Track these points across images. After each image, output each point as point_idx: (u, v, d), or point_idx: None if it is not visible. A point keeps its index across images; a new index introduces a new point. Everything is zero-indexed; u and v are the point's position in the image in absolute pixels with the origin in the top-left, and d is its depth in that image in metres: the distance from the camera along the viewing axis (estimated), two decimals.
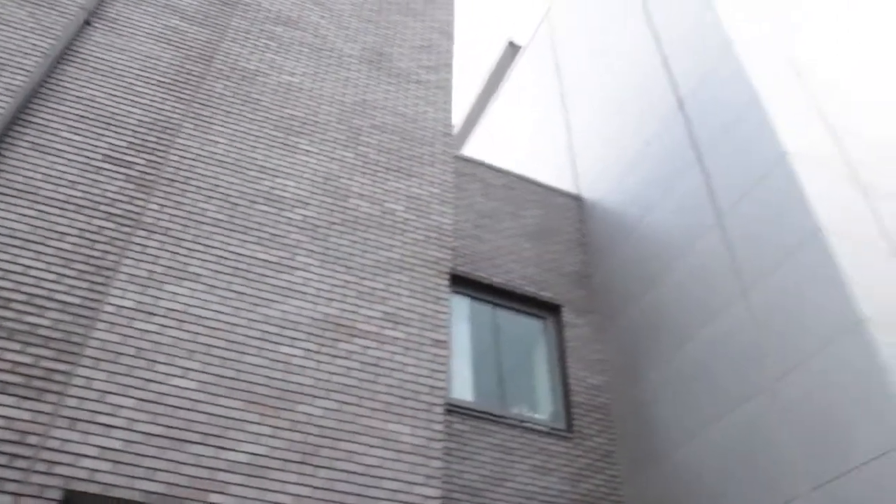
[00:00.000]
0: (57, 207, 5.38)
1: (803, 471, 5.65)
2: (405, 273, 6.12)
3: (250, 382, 5.00)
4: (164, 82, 6.55)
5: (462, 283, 8.55)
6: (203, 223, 5.63)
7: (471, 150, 16.40)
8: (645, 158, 9.01)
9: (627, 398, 8.02)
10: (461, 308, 8.46)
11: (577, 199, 10.39)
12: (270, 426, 4.87)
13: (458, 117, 18.63)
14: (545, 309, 8.89)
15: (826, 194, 6.58)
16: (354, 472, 4.93)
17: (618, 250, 9.02)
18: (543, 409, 8.09)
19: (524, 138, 13.34)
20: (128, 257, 5.23)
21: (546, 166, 11.85)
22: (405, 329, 5.76)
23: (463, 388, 7.78)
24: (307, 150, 6.54)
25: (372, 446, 5.10)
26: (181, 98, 6.50)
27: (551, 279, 9.09)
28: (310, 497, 4.69)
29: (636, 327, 8.23)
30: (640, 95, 9.55)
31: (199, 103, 6.40)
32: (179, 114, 6.38)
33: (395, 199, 6.60)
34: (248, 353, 5.12)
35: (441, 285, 6.18)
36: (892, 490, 4.94)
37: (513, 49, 17.83)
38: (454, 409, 7.30)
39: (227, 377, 4.96)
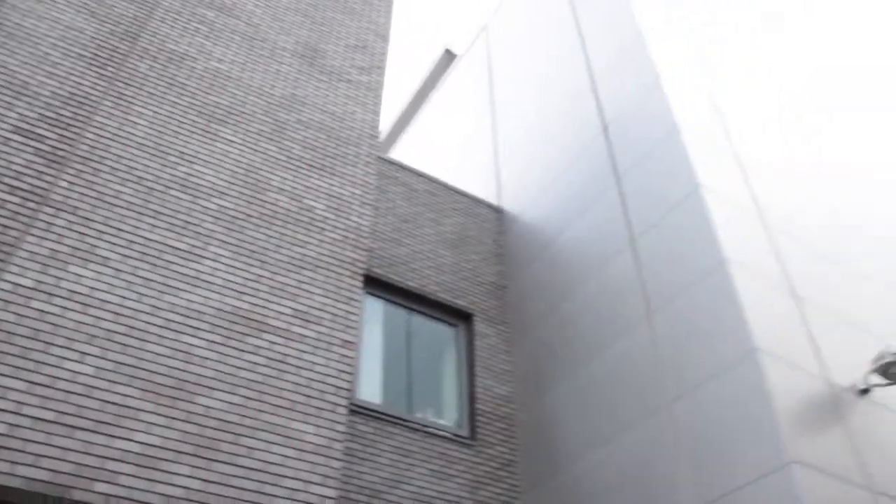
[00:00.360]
0: None
1: (692, 489, 5.89)
2: (319, 271, 6.10)
3: (149, 371, 4.90)
4: (84, 56, 6.34)
5: (377, 285, 8.57)
6: (115, 205, 5.49)
7: (398, 154, 16.42)
8: (567, 177, 9.23)
9: (532, 410, 8.19)
10: (375, 310, 8.48)
11: (498, 211, 10.55)
12: (165, 416, 4.78)
13: (387, 120, 18.63)
14: (458, 317, 8.98)
15: (733, 228, 6.89)
16: (253, 469, 4.88)
17: (534, 264, 9.21)
18: (448, 415, 8.17)
19: (452, 146, 13.46)
20: (31, 234, 5.05)
21: (471, 176, 11.99)
22: (315, 328, 5.75)
23: (370, 390, 7.79)
24: (229, 140, 6.45)
25: (273, 443, 5.06)
26: (102, 74, 6.31)
27: (466, 288, 9.20)
28: (202, 491, 4.62)
29: (546, 341, 8.41)
30: (567, 115, 9.77)
31: (122, 82, 6.24)
32: (99, 91, 6.19)
33: (315, 196, 6.58)
34: (149, 341, 5.01)
35: (354, 286, 6.19)
36: None
37: (448, 57, 17.96)
38: (359, 410, 7.30)
39: (125, 364, 4.84)
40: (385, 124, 18.44)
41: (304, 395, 5.37)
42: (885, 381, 6.32)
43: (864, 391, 6.53)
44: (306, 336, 5.65)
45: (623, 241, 7.69)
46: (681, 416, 6.21)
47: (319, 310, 5.86)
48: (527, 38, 12.13)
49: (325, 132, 7.19)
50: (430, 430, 7.65)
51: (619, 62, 9.07)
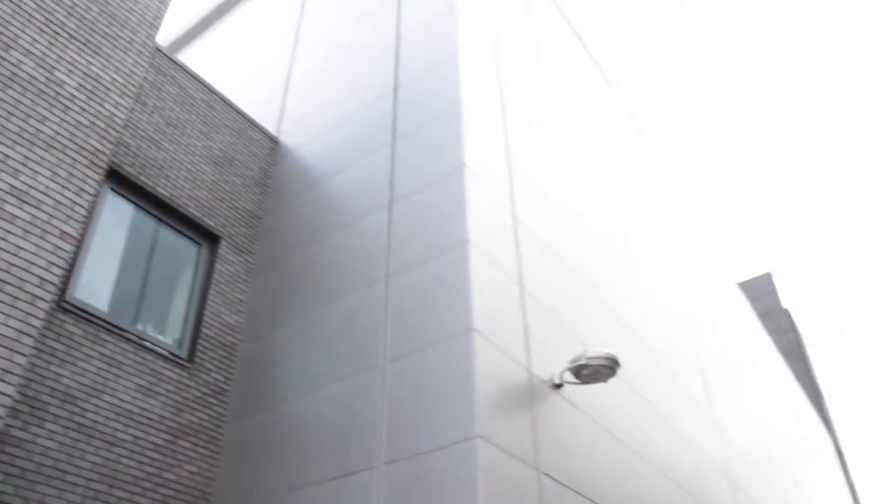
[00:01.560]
0: None
1: (386, 445, 6.17)
2: (53, 152, 5.56)
3: None
4: None
5: (126, 185, 7.99)
6: None
7: (187, 57, 15.39)
8: (349, 124, 9.18)
9: (257, 343, 8.12)
10: (121, 213, 7.91)
11: (273, 141, 10.26)
12: None
13: (185, 20, 17.32)
14: (204, 236, 8.65)
15: (483, 214, 7.25)
16: None
17: (296, 201, 9.08)
18: (171, 333, 7.88)
19: (244, 65, 12.85)
20: None
21: (256, 100, 11.54)
22: (31, 210, 5.24)
23: (95, 292, 7.28)
24: None
25: None
26: None
27: (220, 209, 8.88)
28: None
29: (287, 279, 8.36)
30: (366, 66, 9.70)
31: None
32: None
33: (69, 71, 5.97)
34: None
35: (90, 177, 5.72)
36: (458, 474, 5.57)
37: None
38: (70, 310, 6.80)
39: None
40: (182, 23, 17.14)
41: (0, 279, 4.89)
42: (576, 381, 7.02)
43: (558, 386, 7.22)
44: (18, 218, 5.13)
45: (383, 200, 7.81)
46: (393, 377, 6.47)
47: (42, 193, 5.35)
48: None
49: (100, 5, 6.53)
50: (146, 343, 7.32)
51: (427, 28, 9.14)
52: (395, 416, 6.27)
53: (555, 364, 7.37)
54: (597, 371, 6.70)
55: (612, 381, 8.69)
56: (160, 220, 8.24)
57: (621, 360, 9.09)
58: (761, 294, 45.91)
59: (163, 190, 8.24)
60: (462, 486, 5.49)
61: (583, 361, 6.64)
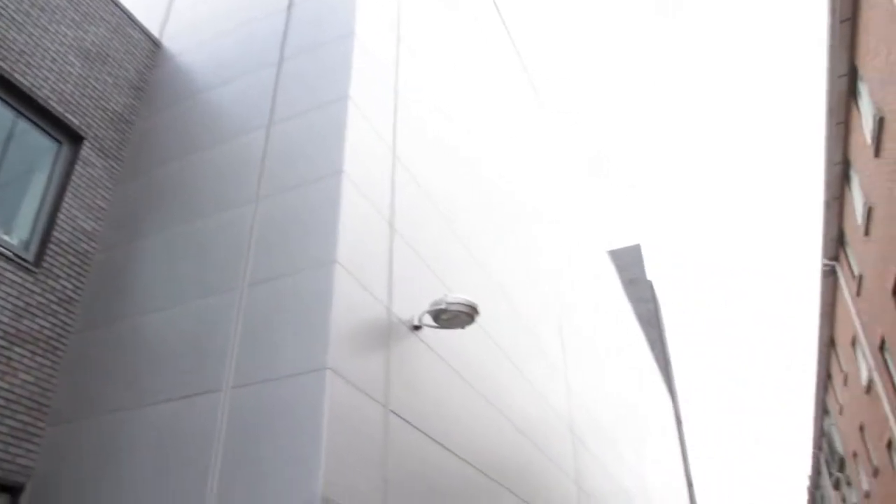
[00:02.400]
0: None
1: (236, 369, 6.06)
2: None
3: None
4: None
5: None
6: None
7: None
8: (239, 36, 8.76)
9: (115, 253, 7.74)
10: None
11: (154, 44, 9.66)
12: None
13: None
14: (66, 135, 8.08)
15: (363, 147, 7.14)
16: None
17: (172, 110, 8.63)
18: (18, 234, 7.38)
19: None
20: None
21: None
22: None
23: None
24: None
25: None
26: None
27: (87, 108, 8.31)
28: None
29: (154, 189, 7.98)
30: None
31: None
32: None
33: None
34: None
35: None
36: (305, 404, 5.54)
37: None
38: None
39: None
40: None
41: None
42: (434, 325, 7.11)
43: (417, 327, 7.30)
44: None
45: (262, 120, 7.55)
46: (250, 301, 6.34)
47: None
48: None
49: None
50: None
51: None
52: (248, 340, 6.16)
53: (416, 306, 7.44)
54: (456, 316, 6.81)
55: (471, 329, 8.88)
56: (16, 110, 7.63)
57: (481, 309, 9.30)
58: (629, 263, 48.06)
59: (21, 77, 7.61)
60: (307, 417, 5.48)
61: (443, 306, 6.72)
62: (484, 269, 10.07)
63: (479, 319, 9.16)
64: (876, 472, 24.24)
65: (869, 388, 21.73)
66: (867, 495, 27.46)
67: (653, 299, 46.63)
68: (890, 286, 16.23)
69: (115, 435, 6.33)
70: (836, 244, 21.61)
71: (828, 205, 19.83)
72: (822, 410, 34.89)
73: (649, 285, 47.35)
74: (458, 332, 8.40)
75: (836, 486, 36.37)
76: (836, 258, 22.18)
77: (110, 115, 8.57)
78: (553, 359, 13.20)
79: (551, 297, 14.37)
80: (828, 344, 27.90)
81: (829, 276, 23.19)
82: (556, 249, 16.21)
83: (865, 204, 16.65)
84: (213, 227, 7.13)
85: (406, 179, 8.06)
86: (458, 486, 7.61)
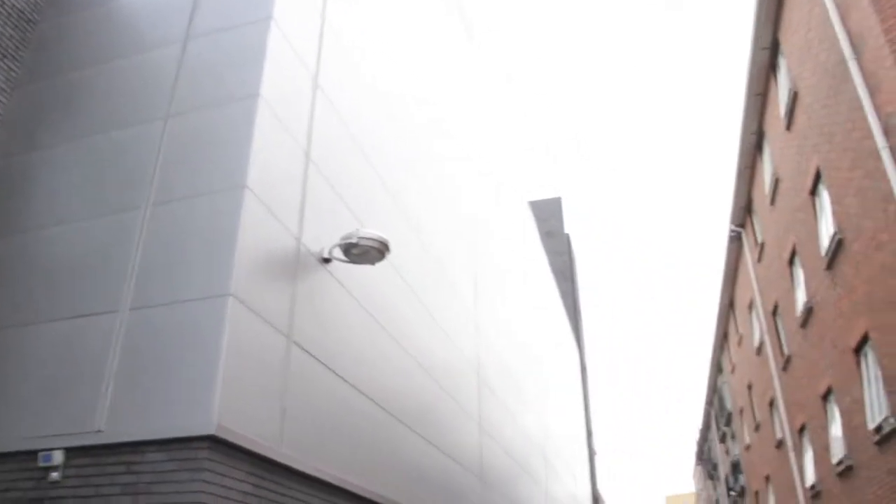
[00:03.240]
0: None
1: (135, 290, 5.86)
2: None
3: None
4: None
5: None
6: None
7: None
8: None
9: (9, 162, 7.30)
10: None
11: None
12: None
13: None
14: None
15: (283, 72, 6.89)
16: None
17: (83, 14, 8.08)
18: None
19: None
20: None
21: None
22: None
23: None
24: None
25: None
26: None
27: None
28: None
29: (56, 96, 7.52)
30: None
31: None
32: None
33: None
34: None
35: None
36: (203, 330, 5.40)
37: None
38: None
39: None
40: None
41: None
42: (345, 259, 7.04)
43: (326, 260, 7.21)
44: None
45: (179, 34, 7.17)
46: (153, 221, 6.11)
47: None
48: None
49: None
50: None
51: None
52: (149, 261, 5.95)
53: (327, 239, 7.33)
54: (367, 252, 6.75)
55: (382, 267, 8.84)
56: None
57: (394, 247, 9.27)
58: (548, 216, 48.76)
59: None
60: (206, 343, 5.37)
61: (354, 240, 6.64)
62: (400, 207, 10.00)
63: (391, 258, 9.13)
64: (757, 427, 25.77)
65: (760, 349, 22.92)
66: (748, 448, 29.22)
67: (568, 252, 47.59)
68: (787, 255, 17.01)
69: (4, 352, 6.07)
70: (744, 212, 22.43)
71: (740, 173, 20.50)
72: (717, 369, 36.71)
73: (566, 238, 48.25)
74: (368, 268, 8.36)
75: (723, 439, 38.55)
76: (742, 225, 23.07)
77: (10, 11, 7.98)
78: (464, 302, 13.35)
79: (467, 242, 14.46)
80: (728, 306, 29.19)
81: (735, 241, 24.12)
82: (477, 194, 16.26)
83: (774, 175, 17.27)
84: (119, 141, 6.79)
85: (327, 109, 7.86)
86: (361, 423, 7.66)
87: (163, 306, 5.68)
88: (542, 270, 28.20)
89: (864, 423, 12.54)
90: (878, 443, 11.82)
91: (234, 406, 5.33)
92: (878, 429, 11.77)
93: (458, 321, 12.75)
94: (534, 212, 48.09)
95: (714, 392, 38.70)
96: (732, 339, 29.41)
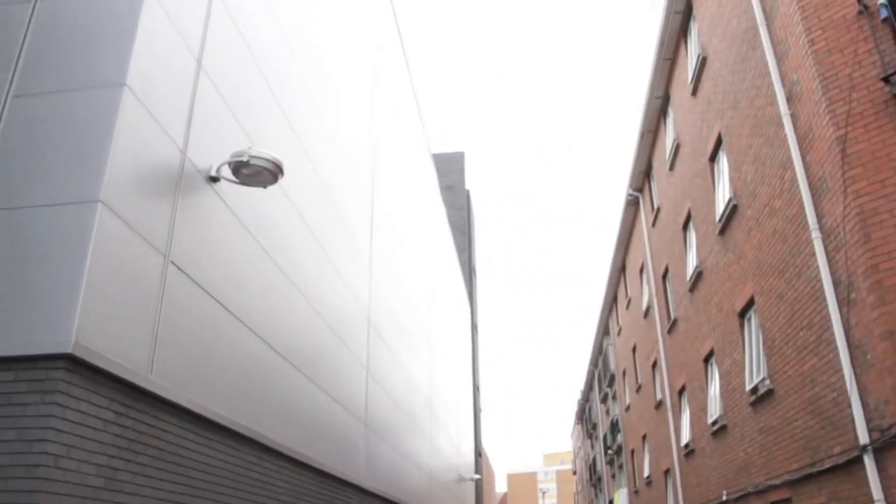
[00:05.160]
0: None
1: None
2: None
3: None
4: None
5: None
6: None
7: None
8: None
9: None
10: None
11: None
12: None
13: None
14: None
15: None
16: None
17: None
18: None
19: None
20: None
21: None
22: None
23: None
24: None
25: None
26: None
27: None
28: None
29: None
30: None
31: None
32: None
33: None
34: None
35: None
36: (67, 237, 4.81)
37: None
38: None
39: None
40: None
41: None
42: (234, 179, 6.50)
43: (214, 179, 6.65)
44: None
45: None
46: (13, 116, 5.38)
47: None
48: None
49: None
50: None
51: None
52: (9, 161, 5.25)
53: (216, 157, 6.77)
54: (258, 173, 6.22)
55: (274, 195, 8.33)
56: None
57: (288, 173, 8.74)
58: (450, 170, 48.58)
59: None
60: (69, 253, 4.79)
61: (244, 158, 6.10)
62: (297, 135, 9.44)
63: (283, 183, 8.61)
64: (639, 389, 26.70)
65: (647, 312, 23.60)
66: (627, 408, 30.33)
67: (467, 208, 47.60)
68: (682, 220, 17.40)
69: None
70: (643, 176, 22.83)
71: (642, 136, 20.77)
72: (604, 331, 37.81)
73: (466, 194, 48.21)
74: (259, 194, 7.83)
75: (604, 400, 39.92)
76: (640, 189, 23.49)
77: None
78: (358, 244, 12.94)
79: (366, 184, 14.00)
80: (619, 269, 29.93)
81: (632, 205, 24.59)
82: (378, 138, 15.77)
83: (675, 140, 17.55)
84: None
85: (223, 15, 7.21)
86: (242, 356, 7.21)
87: (24, 209, 5.03)
88: (440, 223, 28.04)
89: (742, 385, 13.02)
90: (753, 403, 12.29)
91: (97, 325, 4.80)
92: (755, 390, 12.23)
93: (351, 262, 12.36)
94: (436, 165, 47.77)
95: (599, 353, 39.92)
96: (621, 302, 30.23)
